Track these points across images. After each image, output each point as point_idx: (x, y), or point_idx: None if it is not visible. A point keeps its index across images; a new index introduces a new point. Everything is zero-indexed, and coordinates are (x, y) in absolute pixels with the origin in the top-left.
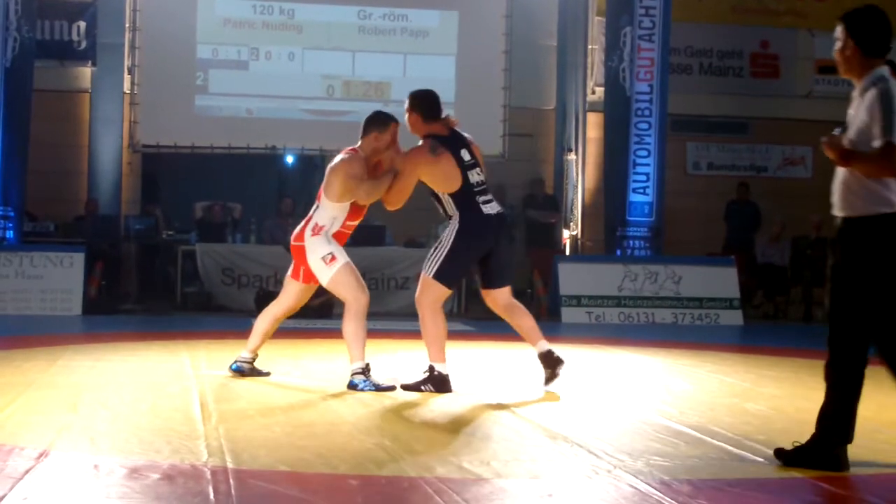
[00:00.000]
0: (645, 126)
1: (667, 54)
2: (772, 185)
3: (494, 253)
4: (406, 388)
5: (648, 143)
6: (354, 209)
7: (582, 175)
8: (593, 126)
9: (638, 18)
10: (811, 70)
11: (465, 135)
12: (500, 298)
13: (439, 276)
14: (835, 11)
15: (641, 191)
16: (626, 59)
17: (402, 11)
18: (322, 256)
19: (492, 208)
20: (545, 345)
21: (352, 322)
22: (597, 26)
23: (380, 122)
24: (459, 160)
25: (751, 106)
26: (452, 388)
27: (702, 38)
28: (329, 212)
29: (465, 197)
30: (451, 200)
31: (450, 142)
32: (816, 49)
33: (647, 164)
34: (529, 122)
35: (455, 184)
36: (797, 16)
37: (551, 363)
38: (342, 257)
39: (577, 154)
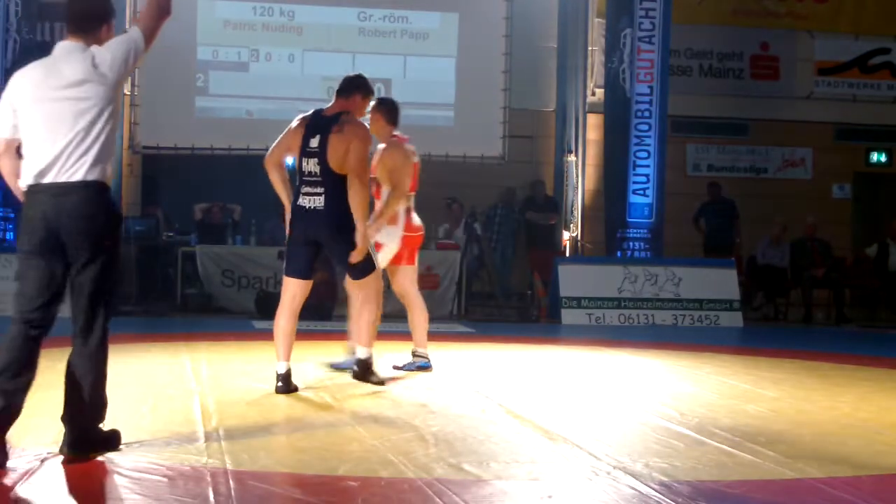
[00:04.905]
0: (645, 127)
1: (667, 56)
2: (772, 186)
3: (330, 249)
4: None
5: (648, 145)
6: None
7: (582, 177)
8: (593, 128)
9: (638, 20)
10: (811, 72)
11: (343, 122)
12: (352, 289)
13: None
14: (835, 13)
15: (641, 192)
16: (626, 61)
17: (402, 13)
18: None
19: (308, 201)
20: (365, 352)
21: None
22: (597, 28)
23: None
24: (304, 144)
25: (751, 107)
26: (284, 389)
27: (702, 40)
28: None
29: (297, 182)
30: None
31: (317, 123)
32: (816, 51)
33: (647, 166)
34: (529, 124)
35: (297, 164)
36: (797, 18)
37: (362, 372)
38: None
39: (577, 156)
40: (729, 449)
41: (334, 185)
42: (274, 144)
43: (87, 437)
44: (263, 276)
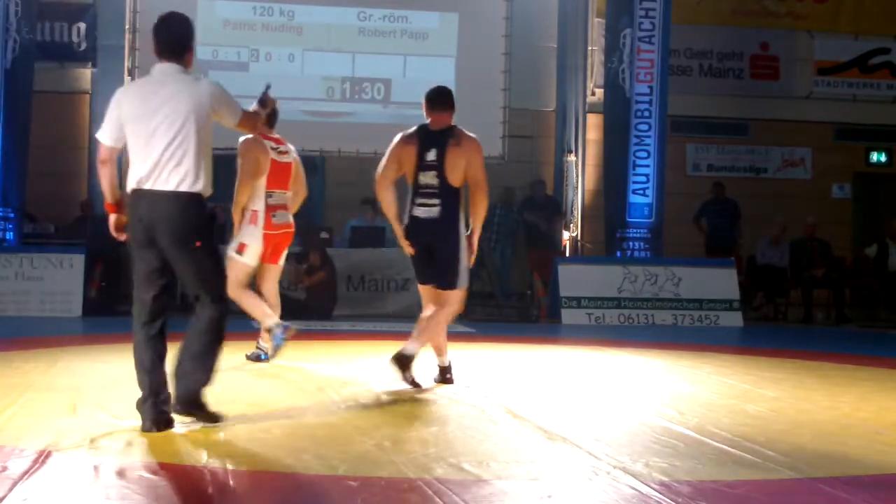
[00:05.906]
0: (645, 127)
1: (667, 56)
2: (771, 186)
3: (435, 251)
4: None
5: (648, 145)
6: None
7: (582, 176)
8: (593, 127)
9: (638, 20)
10: (811, 72)
11: (458, 135)
12: (441, 298)
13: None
14: (834, 13)
15: (641, 192)
16: (626, 61)
17: (402, 13)
18: None
19: (424, 212)
20: (447, 360)
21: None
22: (596, 28)
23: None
24: (420, 158)
25: (750, 107)
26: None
27: (701, 40)
28: None
29: (411, 195)
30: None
31: (429, 138)
32: (816, 51)
33: (647, 166)
34: (529, 124)
35: (409, 178)
36: (797, 17)
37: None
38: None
39: (577, 155)
40: (729, 449)
41: (449, 195)
42: (382, 166)
43: (189, 399)
44: None
